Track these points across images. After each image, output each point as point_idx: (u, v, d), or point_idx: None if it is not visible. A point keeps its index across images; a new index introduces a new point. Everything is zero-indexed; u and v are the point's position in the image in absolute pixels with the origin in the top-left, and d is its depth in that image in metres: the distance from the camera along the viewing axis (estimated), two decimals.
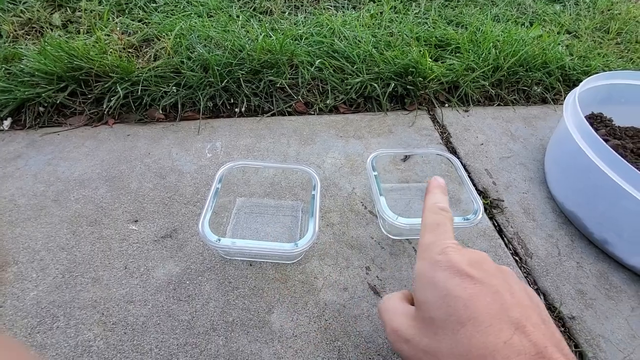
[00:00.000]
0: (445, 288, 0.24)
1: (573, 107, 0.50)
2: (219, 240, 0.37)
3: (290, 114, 0.66)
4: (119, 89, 0.60)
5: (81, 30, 0.77)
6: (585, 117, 0.62)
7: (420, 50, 0.72)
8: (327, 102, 0.67)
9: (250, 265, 0.42)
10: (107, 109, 0.61)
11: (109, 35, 0.74)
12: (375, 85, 0.67)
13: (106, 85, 0.62)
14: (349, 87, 0.68)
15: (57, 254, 0.42)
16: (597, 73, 0.58)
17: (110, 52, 0.67)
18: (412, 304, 0.29)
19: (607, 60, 0.84)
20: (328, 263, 0.43)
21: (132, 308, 0.38)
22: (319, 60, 0.68)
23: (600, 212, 0.46)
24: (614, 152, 0.43)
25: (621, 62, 0.86)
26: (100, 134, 0.59)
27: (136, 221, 0.46)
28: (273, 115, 0.65)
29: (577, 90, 0.53)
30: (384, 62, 0.70)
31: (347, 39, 0.75)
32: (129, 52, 0.70)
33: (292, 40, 0.73)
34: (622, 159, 0.42)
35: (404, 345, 0.26)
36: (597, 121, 0.61)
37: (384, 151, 0.50)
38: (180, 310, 0.38)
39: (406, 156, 0.58)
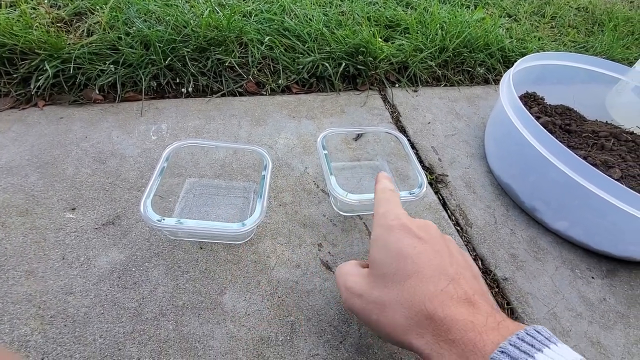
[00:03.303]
0: (397, 248, 0.27)
1: (508, 86, 0.53)
2: (162, 220, 0.35)
3: (241, 94, 0.65)
4: (47, 67, 0.55)
5: (3, 3, 0.69)
6: (520, 96, 0.67)
7: (371, 30, 0.73)
8: (279, 82, 0.66)
9: (201, 248, 0.42)
10: (35, 90, 0.56)
11: (35, 9, 0.66)
12: (327, 64, 0.67)
13: (33, 64, 0.56)
14: (301, 66, 0.67)
15: None
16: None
17: (37, 26, 0.60)
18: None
19: (542, 43, 0.90)
20: (281, 242, 0.44)
21: (72, 299, 0.36)
22: (269, 38, 0.67)
23: (530, 183, 0.50)
24: (543, 128, 0.47)
25: (554, 44, 0.93)
26: (29, 117, 0.54)
27: (74, 209, 0.43)
28: (223, 95, 0.63)
29: (511, 70, 0.56)
30: (335, 41, 0.70)
31: (297, 17, 0.73)
32: (59, 26, 0.64)
33: (241, 17, 0.70)
34: (549, 134, 0.46)
35: (356, 299, 0.29)
36: (530, 100, 0.66)
37: (334, 130, 0.50)
38: (126, 298, 0.36)
39: (358, 135, 0.59)
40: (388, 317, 0.26)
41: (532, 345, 0.21)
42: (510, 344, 0.21)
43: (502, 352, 0.21)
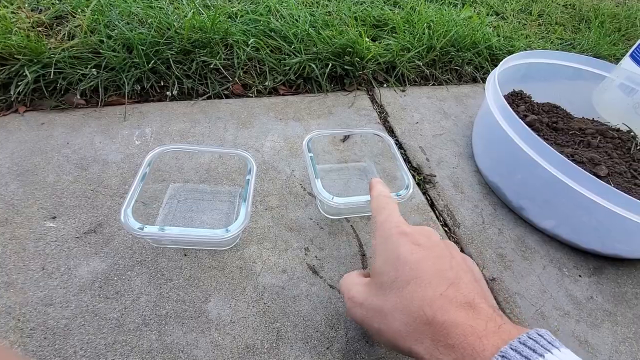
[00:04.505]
0: (396, 255, 0.28)
1: (493, 86, 0.53)
2: (143, 228, 0.35)
3: (227, 96, 0.64)
4: (27, 72, 0.54)
5: None
6: (507, 94, 0.67)
7: (358, 30, 0.72)
8: (266, 83, 0.66)
9: (185, 255, 0.41)
10: (15, 95, 0.55)
11: (15, 13, 0.65)
12: (314, 65, 0.67)
13: (13, 69, 0.55)
14: (288, 67, 0.67)
15: None
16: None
17: (16, 31, 0.59)
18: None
19: (529, 41, 0.90)
20: (267, 247, 0.43)
21: (51, 311, 0.35)
22: (254, 39, 0.66)
23: (517, 182, 0.50)
24: (527, 127, 0.47)
25: (542, 42, 0.93)
26: (10, 123, 0.53)
27: (54, 218, 0.42)
28: (209, 98, 0.63)
29: (497, 70, 0.56)
30: (322, 41, 0.69)
31: (283, 18, 0.73)
32: (39, 31, 0.63)
33: (226, 18, 0.70)
34: (534, 133, 0.46)
35: (358, 309, 0.29)
36: (517, 98, 0.66)
37: (320, 132, 0.50)
38: (107, 308, 0.36)
39: (345, 136, 0.59)
40: (388, 325, 0.26)
41: (533, 350, 0.20)
42: (512, 349, 0.20)
43: (503, 356, 0.20)
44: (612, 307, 0.45)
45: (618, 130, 0.63)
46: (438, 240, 0.30)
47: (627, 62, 0.74)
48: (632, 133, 0.62)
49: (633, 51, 0.74)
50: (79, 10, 0.64)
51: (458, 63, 0.78)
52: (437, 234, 0.31)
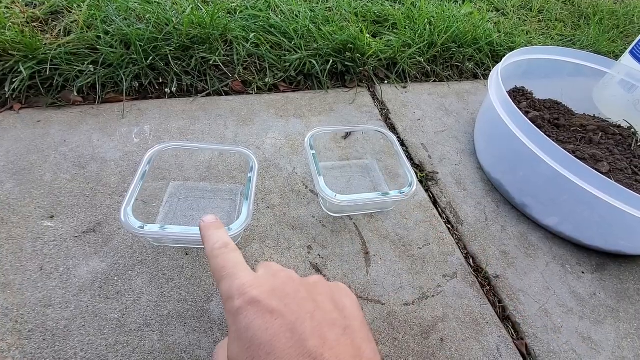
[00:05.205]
0: (249, 337, 0.23)
1: (496, 82, 0.53)
2: (143, 227, 0.34)
3: (227, 93, 0.63)
4: (22, 68, 0.53)
5: None
6: (509, 90, 0.67)
7: (359, 26, 0.72)
8: (266, 80, 0.65)
9: (186, 254, 0.40)
10: (10, 92, 0.53)
11: (8, 8, 0.64)
12: (315, 62, 0.66)
13: (7, 65, 0.54)
14: (288, 64, 0.66)
15: None
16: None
17: (10, 26, 0.58)
18: None
19: (530, 37, 0.89)
20: (269, 245, 0.43)
21: (51, 312, 0.34)
22: (254, 35, 0.65)
23: (520, 179, 0.50)
24: (531, 123, 0.46)
25: (542, 38, 0.93)
26: (5, 121, 0.52)
27: (52, 217, 0.41)
28: (208, 95, 0.62)
29: (499, 66, 0.55)
30: (322, 37, 0.69)
31: (283, 13, 0.72)
32: (34, 26, 0.61)
33: (225, 14, 0.69)
34: (537, 129, 0.46)
35: None
36: (519, 94, 0.65)
37: (321, 129, 0.49)
38: (108, 308, 0.35)
39: (347, 133, 0.58)
40: None
41: None
42: None
43: None
44: (615, 303, 0.45)
45: (619, 126, 0.63)
46: (294, 289, 0.25)
47: (627, 58, 0.74)
48: (632, 129, 0.62)
49: (633, 48, 0.73)
50: (75, 5, 0.63)
51: (459, 59, 0.78)
52: (295, 276, 0.26)
